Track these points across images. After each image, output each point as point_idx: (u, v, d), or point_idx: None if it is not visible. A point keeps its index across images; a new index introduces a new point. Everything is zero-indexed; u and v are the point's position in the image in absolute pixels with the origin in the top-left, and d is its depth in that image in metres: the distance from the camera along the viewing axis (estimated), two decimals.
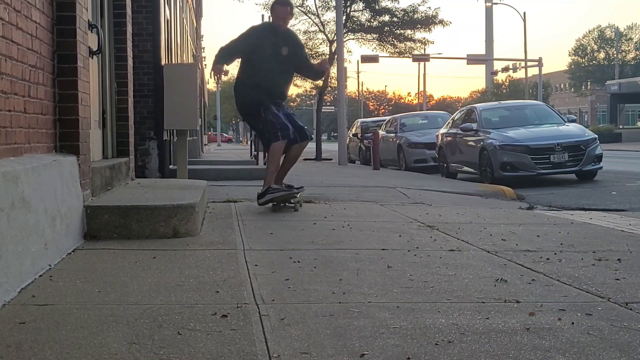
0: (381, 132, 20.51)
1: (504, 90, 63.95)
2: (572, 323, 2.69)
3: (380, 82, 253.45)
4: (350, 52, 78.62)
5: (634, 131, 47.47)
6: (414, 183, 11.49)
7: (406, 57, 29.31)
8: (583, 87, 79.32)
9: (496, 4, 54.86)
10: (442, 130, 16.26)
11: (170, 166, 9.97)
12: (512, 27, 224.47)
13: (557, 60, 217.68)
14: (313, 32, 24.55)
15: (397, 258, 4.01)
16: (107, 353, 2.26)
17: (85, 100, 4.69)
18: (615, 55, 73.94)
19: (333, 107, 59.76)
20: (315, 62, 8.36)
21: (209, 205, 6.38)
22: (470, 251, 4.33)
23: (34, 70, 3.86)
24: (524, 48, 44.85)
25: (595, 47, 78.47)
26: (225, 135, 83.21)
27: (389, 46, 24.50)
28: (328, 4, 23.88)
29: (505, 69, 52.97)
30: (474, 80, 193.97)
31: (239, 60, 6.61)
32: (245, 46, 6.47)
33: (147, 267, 3.63)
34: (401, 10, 23.52)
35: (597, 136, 13.70)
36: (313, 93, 36.27)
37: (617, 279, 3.51)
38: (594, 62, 77.72)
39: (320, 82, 24.40)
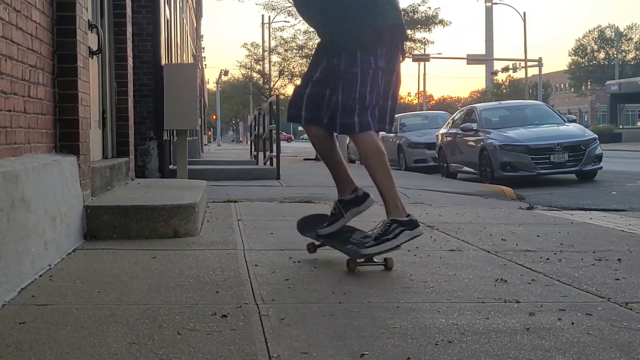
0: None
1: (504, 90, 63.97)
2: (572, 323, 2.69)
3: None
4: None
5: (634, 131, 47.46)
6: (414, 183, 11.49)
7: (406, 57, 29.36)
8: (583, 87, 79.31)
9: (496, 4, 54.89)
10: (442, 130, 16.27)
11: (170, 166, 9.97)
12: (512, 27, 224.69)
13: (557, 60, 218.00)
14: (313, 32, 24.56)
15: (397, 258, 4.00)
16: (107, 353, 2.26)
17: (85, 100, 4.69)
18: (615, 55, 73.94)
19: None
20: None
21: (209, 205, 6.38)
22: (470, 251, 4.33)
23: (34, 70, 3.86)
24: (524, 48, 44.89)
25: (595, 47, 78.47)
26: (285, 133, 79.86)
27: None
28: None
29: (505, 69, 52.99)
30: (474, 80, 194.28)
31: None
32: None
33: (147, 267, 3.63)
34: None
35: (597, 136, 13.72)
36: None
37: (617, 279, 3.51)
38: (594, 62, 77.71)
39: None
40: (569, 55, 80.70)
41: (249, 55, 47.32)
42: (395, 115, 4.07)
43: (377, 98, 3.65)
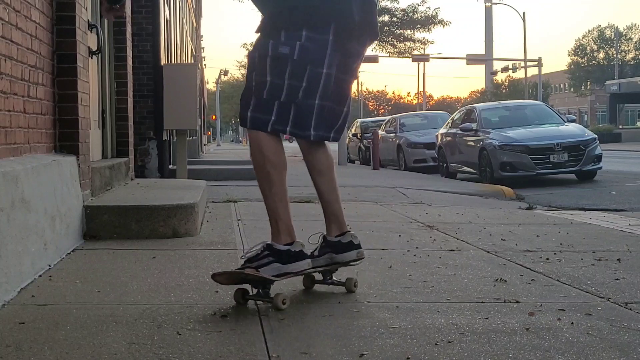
0: (381, 132, 20.52)
1: (504, 90, 63.92)
2: (572, 323, 2.69)
3: (380, 82, 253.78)
4: None
5: (634, 131, 47.48)
6: (414, 183, 11.49)
7: (406, 57, 29.37)
8: (583, 87, 79.32)
9: (496, 4, 54.90)
10: (442, 130, 16.28)
11: (170, 166, 9.97)
12: (512, 27, 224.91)
13: (557, 60, 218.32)
14: None
15: (396, 258, 4.01)
16: (106, 353, 2.26)
17: (85, 100, 4.69)
18: (614, 55, 73.94)
19: None
20: None
21: (208, 205, 6.38)
22: (469, 251, 4.33)
23: (33, 70, 3.86)
24: (523, 48, 44.84)
25: (595, 47, 78.48)
26: None
27: (389, 46, 24.54)
28: None
29: (505, 69, 52.96)
30: (473, 80, 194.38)
31: None
32: None
33: (147, 267, 3.63)
34: (401, 10, 23.57)
35: (596, 136, 13.74)
36: None
37: (617, 279, 3.51)
38: (593, 62, 77.73)
39: None
40: (569, 55, 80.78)
41: None
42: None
43: (290, 93, 2.89)
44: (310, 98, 2.92)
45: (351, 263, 3.17)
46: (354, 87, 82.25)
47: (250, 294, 2.90)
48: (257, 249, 2.93)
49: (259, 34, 3.02)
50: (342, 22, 2.92)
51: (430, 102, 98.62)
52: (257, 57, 2.95)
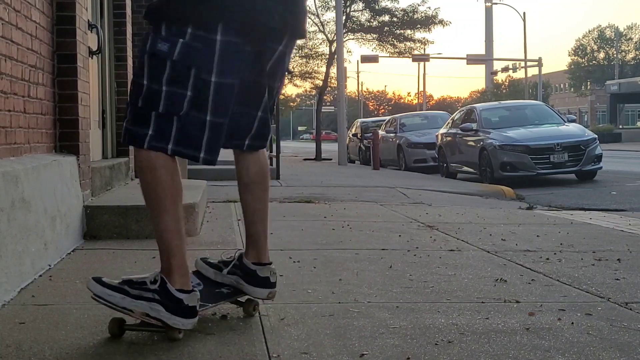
0: (381, 132, 20.54)
1: (504, 90, 63.91)
2: (572, 323, 2.69)
3: (380, 82, 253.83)
4: (350, 52, 78.19)
5: (634, 131, 47.49)
6: (414, 183, 11.50)
7: (406, 57, 29.33)
8: (583, 87, 79.32)
9: (496, 4, 54.94)
10: (442, 130, 16.29)
11: None
12: (512, 27, 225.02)
13: (557, 60, 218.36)
14: (313, 32, 24.54)
15: (396, 258, 4.01)
16: (106, 353, 2.26)
17: (85, 100, 4.69)
18: (615, 55, 73.94)
19: (333, 107, 59.73)
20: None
21: (208, 205, 6.38)
22: (470, 251, 4.33)
23: (33, 70, 3.86)
24: (523, 48, 44.85)
25: (595, 47, 78.48)
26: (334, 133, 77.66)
27: (389, 46, 24.52)
28: (328, 4, 23.91)
29: (505, 69, 52.99)
30: (473, 80, 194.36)
31: None
32: None
33: (147, 267, 3.62)
34: (401, 10, 23.56)
35: (596, 136, 13.75)
36: (313, 93, 36.40)
37: (617, 279, 3.51)
38: (593, 62, 77.72)
39: (320, 82, 24.46)
40: (569, 55, 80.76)
41: None
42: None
43: (169, 103, 2.31)
44: (200, 112, 2.34)
45: (258, 299, 2.70)
46: (354, 87, 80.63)
47: (128, 323, 2.43)
48: (149, 276, 2.43)
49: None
50: (234, 20, 2.31)
51: (431, 102, 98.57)
52: (139, 53, 2.40)
